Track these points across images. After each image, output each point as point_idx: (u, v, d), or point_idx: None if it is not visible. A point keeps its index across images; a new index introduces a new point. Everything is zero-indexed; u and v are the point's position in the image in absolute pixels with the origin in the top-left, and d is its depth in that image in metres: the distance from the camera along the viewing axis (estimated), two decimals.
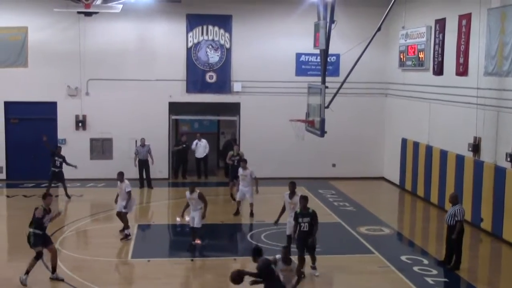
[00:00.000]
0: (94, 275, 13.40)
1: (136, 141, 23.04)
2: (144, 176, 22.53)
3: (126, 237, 16.00)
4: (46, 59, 23.13)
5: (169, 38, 23.89)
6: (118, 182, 16.62)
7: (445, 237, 14.24)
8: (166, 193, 22.26)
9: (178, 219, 17.74)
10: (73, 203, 20.44)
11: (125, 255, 14.76)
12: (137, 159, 22.47)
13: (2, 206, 20.75)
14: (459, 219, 13.71)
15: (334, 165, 24.81)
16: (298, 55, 24.26)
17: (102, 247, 15.51)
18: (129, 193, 16.25)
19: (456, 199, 14.15)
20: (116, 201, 16.69)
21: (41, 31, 23.14)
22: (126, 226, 16.20)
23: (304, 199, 13.43)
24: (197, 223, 15.30)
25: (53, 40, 23.22)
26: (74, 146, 23.48)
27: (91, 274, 13.41)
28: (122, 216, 16.30)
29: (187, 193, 15.48)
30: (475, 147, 17.74)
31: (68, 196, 20.60)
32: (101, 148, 23.82)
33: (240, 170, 18.49)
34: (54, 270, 13.17)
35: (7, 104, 23.32)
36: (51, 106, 23.51)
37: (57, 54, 23.20)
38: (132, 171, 22.38)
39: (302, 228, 13.17)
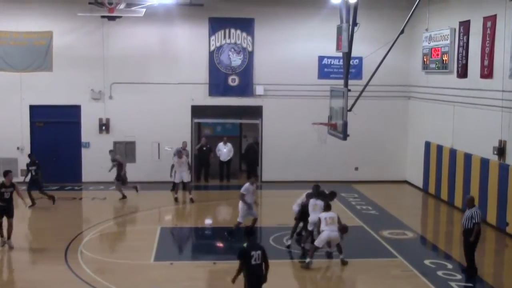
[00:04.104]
0: (117, 277, 13.47)
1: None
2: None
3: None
4: (70, 63, 23.37)
5: (192, 42, 24.00)
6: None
7: (463, 241, 13.89)
8: (188, 196, 22.26)
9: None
10: (97, 206, 20.59)
11: (148, 258, 14.80)
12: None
13: (26, 208, 20.90)
14: (476, 221, 13.46)
15: (356, 169, 24.69)
16: (321, 58, 24.19)
17: (125, 250, 15.62)
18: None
19: (472, 202, 13.89)
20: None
21: (66, 36, 23.38)
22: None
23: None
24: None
25: (77, 44, 23.45)
26: (97, 149, 23.66)
27: (114, 277, 13.49)
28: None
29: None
30: (500, 151, 17.53)
31: (52, 199, 20.33)
32: (124, 151, 23.96)
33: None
34: (8, 237, 15.40)
35: (33, 108, 23.59)
36: (75, 110, 23.74)
37: (81, 58, 23.42)
38: (156, 175, 22.49)
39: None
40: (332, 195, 15.51)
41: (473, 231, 13.48)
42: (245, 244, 10.88)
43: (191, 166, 23.40)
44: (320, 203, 15.00)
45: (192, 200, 21.08)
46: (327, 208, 14.58)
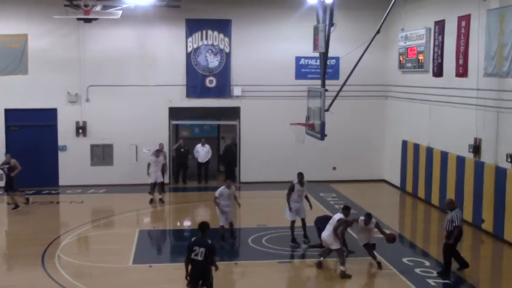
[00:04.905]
0: (95, 281, 13.40)
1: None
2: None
3: None
4: (46, 66, 23.15)
5: (169, 43, 23.92)
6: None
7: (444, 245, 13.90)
8: (167, 198, 22.22)
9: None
10: (74, 209, 20.42)
11: (126, 261, 14.72)
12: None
13: (3, 213, 20.68)
14: (456, 224, 13.48)
15: (334, 168, 24.79)
16: (298, 59, 24.26)
17: (103, 253, 15.49)
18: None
19: (452, 204, 13.94)
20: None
21: (41, 38, 23.16)
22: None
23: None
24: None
25: (53, 47, 23.25)
26: (74, 153, 23.51)
27: (92, 281, 13.41)
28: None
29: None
30: (476, 148, 17.73)
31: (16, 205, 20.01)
32: (101, 154, 23.82)
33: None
34: None
35: (7, 112, 23.32)
36: (51, 113, 23.51)
37: (57, 61, 23.23)
38: (133, 177, 22.40)
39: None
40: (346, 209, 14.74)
41: (453, 233, 13.48)
42: (193, 239, 10.98)
43: (168, 168, 23.40)
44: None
45: (161, 201, 21.05)
46: (343, 210, 14.38)
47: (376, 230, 14.46)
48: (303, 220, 16.18)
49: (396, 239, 14.82)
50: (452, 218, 13.56)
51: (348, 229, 14.73)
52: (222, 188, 16.04)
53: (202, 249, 10.63)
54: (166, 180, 23.29)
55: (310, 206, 16.24)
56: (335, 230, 13.95)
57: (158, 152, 21.35)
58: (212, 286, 11.04)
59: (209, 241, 10.81)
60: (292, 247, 15.82)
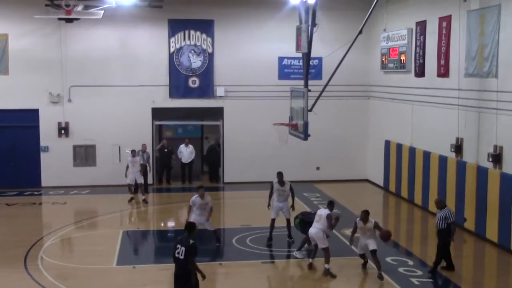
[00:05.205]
0: (79, 283, 13.33)
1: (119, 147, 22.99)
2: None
3: None
4: (27, 66, 22.97)
5: (151, 44, 23.85)
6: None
7: (437, 243, 14.02)
8: (150, 199, 22.16)
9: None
10: (57, 210, 20.29)
11: (110, 262, 14.66)
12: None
13: None
14: (451, 221, 13.62)
15: (318, 168, 24.88)
16: (281, 59, 24.31)
17: (87, 254, 15.41)
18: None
19: (442, 203, 14.11)
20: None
21: (22, 38, 22.97)
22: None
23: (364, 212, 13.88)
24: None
25: (34, 47, 23.07)
26: (57, 154, 23.36)
27: (76, 282, 13.35)
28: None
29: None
30: (458, 148, 17.89)
31: None
32: (84, 155, 23.69)
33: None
34: None
35: None
36: (33, 114, 23.33)
37: (38, 61, 23.05)
38: (117, 178, 22.30)
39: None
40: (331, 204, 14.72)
41: (447, 231, 13.57)
42: (179, 237, 11.11)
43: (152, 168, 23.34)
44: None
45: (145, 201, 21.02)
46: (328, 205, 14.40)
47: (375, 231, 13.88)
48: (287, 220, 16.21)
49: (391, 236, 14.26)
50: (446, 215, 13.66)
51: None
52: (194, 197, 15.46)
53: (183, 248, 10.71)
54: (150, 181, 23.27)
55: (292, 206, 16.22)
56: (330, 227, 14.06)
57: (134, 152, 21.26)
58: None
59: (191, 241, 10.80)
60: (268, 245, 15.89)
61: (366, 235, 13.74)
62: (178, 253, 10.75)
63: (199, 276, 10.95)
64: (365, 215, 13.74)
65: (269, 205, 16.28)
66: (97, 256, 15.16)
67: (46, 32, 23.00)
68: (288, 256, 15.41)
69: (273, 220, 16.16)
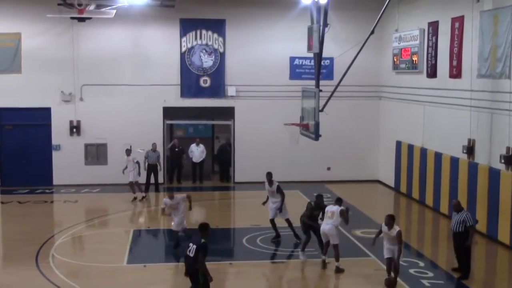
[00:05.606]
0: (90, 281, 13.37)
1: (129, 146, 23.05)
2: (152, 181, 22.47)
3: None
4: (39, 65, 23.11)
5: (163, 43, 23.91)
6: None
7: (454, 245, 13.84)
8: (161, 198, 22.15)
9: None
10: (68, 209, 20.38)
11: (120, 260, 14.71)
12: (146, 163, 22.37)
13: None
14: (470, 224, 13.39)
15: (329, 169, 24.82)
16: (292, 59, 24.28)
17: (98, 253, 15.47)
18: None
19: (460, 206, 13.81)
20: None
21: (35, 37, 23.11)
22: None
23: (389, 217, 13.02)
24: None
25: (47, 46, 23.19)
26: (68, 152, 23.47)
27: (87, 280, 13.38)
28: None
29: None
30: (469, 149, 17.79)
31: None
32: (95, 154, 23.78)
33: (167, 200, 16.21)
34: None
35: (1, 111, 23.28)
36: (45, 112, 23.47)
37: (51, 60, 23.18)
38: (127, 177, 22.31)
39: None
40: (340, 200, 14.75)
41: (465, 234, 13.35)
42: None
43: (163, 167, 23.40)
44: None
45: (143, 198, 21.19)
46: (338, 202, 14.46)
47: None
48: (286, 221, 16.32)
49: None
50: (464, 219, 13.42)
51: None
52: (165, 199, 15.96)
53: (194, 246, 10.93)
54: (161, 180, 23.31)
55: (279, 208, 16.22)
56: (346, 221, 14.26)
57: (129, 152, 21.40)
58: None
59: (202, 240, 10.95)
60: (273, 242, 16.14)
61: (391, 242, 12.82)
62: (189, 251, 10.93)
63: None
64: (389, 220, 12.78)
65: (264, 202, 16.64)
66: (107, 255, 15.22)
67: (58, 31, 23.12)
68: (299, 256, 15.35)
69: (271, 220, 16.31)
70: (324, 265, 14.18)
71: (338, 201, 14.45)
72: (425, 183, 20.50)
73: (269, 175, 16.47)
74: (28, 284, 13.13)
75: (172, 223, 16.07)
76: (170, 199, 15.78)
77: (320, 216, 14.62)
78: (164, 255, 16.34)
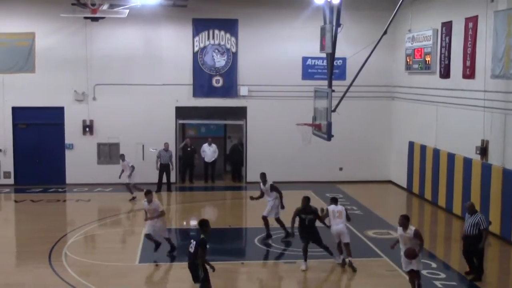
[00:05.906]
0: (102, 280, 13.42)
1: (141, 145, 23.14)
2: (165, 180, 22.56)
3: None
4: (53, 64, 23.25)
5: (175, 43, 23.98)
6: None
7: (463, 248, 13.79)
8: (173, 197, 22.27)
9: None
10: (81, 208, 20.48)
11: (133, 259, 14.76)
12: (159, 162, 22.45)
13: (10, 211, 20.86)
14: (484, 227, 13.29)
15: (341, 169, 24.78)
16: (305, 59, 24.27)
17: (110, 251, 15.54)
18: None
19: (474, 208, 13.70)
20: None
21: (48, 37, 23.26)
22: None
23: (305, 199, 14.44)
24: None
25: (60, 45, 23.33)
26: (81, 151, 23.60)
27: (99, 279, 13.43)
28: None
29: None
30: (483, 150, 17.69)
31: None
32: (108, 153, 23.89)
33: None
34: None
35: (15, 110, 23.42)
36: (58, 111, 23.61)
37: (64, 59, 23.31)
38: (139, 176, 22.40)
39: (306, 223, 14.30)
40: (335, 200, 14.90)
41: (478, 237, 13.26)
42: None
43: (175, 167, 23.47)
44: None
45: (133, 198, 21.15)
46: (334, 201, 14.63)
47: (416, 241, 11.94)
48: (276, 220, 16.48)
49: (416, 256, 11.94)
50: (478, 221, 13.31)
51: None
52: (143, 202, 15.22)
53: (194, 242, 11.32)
54: (173, 179, 23.36)
55: (281, 206, 16.69)
56: (349, 219, 14.51)
57: (123, 157, 21.58)
58: (203, 283, 11.22)
59: (202, 236, 11.31)
60: (283, 240, 16.24)
61: (407, 245, 11.97)
62: (191, 247, 11.33)
63: (209, 269, 11.29)
64: (403, 220, 12.00)
65: (253, 197, 17.01)
66: (120, 253, 15.29)
67: (72, 30, 23.24)
68: (312, 257, 15.30)
69: (263, 218, 16.52)
70: (347, 263, 14.21)
71: (334, 201, 14.72)
72: (438, 184, 20.41)
73: (263, 175, 16.92)
74: (41, 282, 13.20)
75: (145, 227, 15.31)
76: (148, 203, 14.92)
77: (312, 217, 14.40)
78: (176, 254, 16.36)
